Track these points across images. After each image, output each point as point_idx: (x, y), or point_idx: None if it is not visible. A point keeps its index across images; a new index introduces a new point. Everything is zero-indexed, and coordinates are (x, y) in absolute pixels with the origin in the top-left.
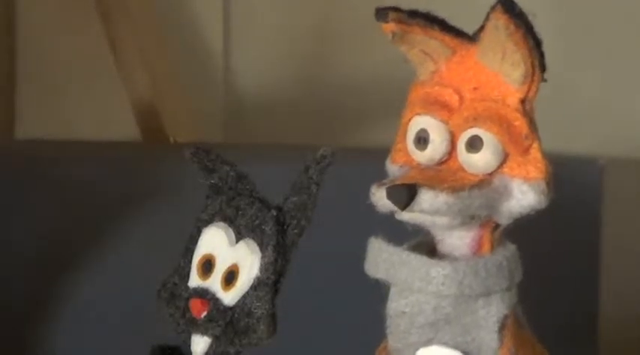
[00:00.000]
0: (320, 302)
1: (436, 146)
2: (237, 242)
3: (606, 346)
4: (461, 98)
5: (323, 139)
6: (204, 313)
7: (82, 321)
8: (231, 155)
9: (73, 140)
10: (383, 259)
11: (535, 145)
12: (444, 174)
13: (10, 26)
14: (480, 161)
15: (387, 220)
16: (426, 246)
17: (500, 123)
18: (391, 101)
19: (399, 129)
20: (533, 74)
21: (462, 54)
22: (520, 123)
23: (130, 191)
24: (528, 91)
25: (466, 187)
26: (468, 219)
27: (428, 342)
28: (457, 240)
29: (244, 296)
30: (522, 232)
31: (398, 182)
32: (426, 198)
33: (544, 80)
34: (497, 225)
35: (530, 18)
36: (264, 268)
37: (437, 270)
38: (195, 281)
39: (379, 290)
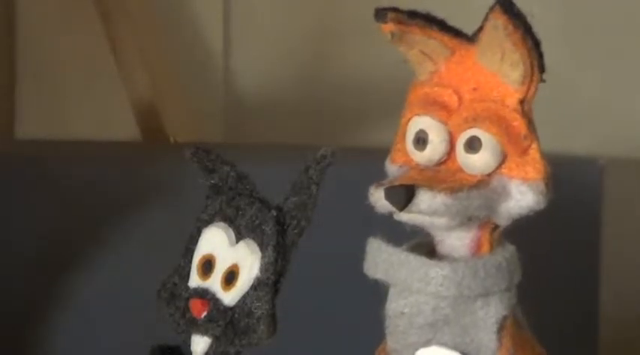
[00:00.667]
0: (320, 302)
1: (435, 146)
2: (237, 242)
3: (606, 346)
4: (460, 98)
5: (323, 139)
6: (204, 313)
7: (82, 321)
8: (231, 155)
9: (73, 140)
10: (382, 259)
11: (534, 146)
12: (442, 175)
13: (10, 26)
14: (479, 162)
15: (387, 220)
16: (426, 246)
17: (499, 124)
18: (391, 101)
19: (399, 130)
20: (532, 74)
21: (462, 54)
22: (519, 124)
23: (130, 191)
24: (527, 92)
25: (464, 188)
26: (466, 219)
27: (427, 343)
28: (456, 241)
29: (244, 297)
30: (522, 232)
31: (396, 183)
32: (424, 199)
33: (543, 81)
34: (496, 226)
35: (528, 18)
36: (264, 268)
37: (436, 271)
38: (195, 281)
39: (379, 291)
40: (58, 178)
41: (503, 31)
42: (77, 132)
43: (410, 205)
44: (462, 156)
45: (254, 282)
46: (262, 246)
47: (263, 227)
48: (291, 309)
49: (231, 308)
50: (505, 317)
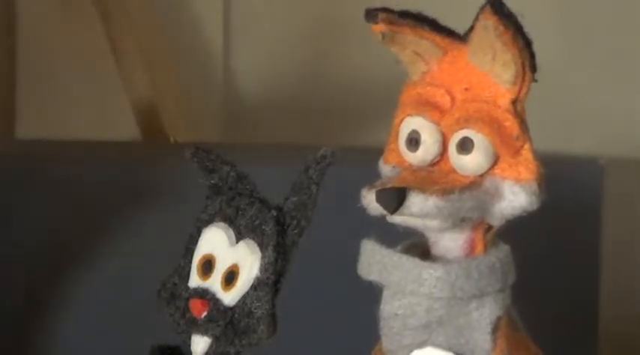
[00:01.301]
0: (320, 302)
1: (428, 147)
2: (237, 242)
3: (606, 346)
4: (452, 99)
5: (323, 139)
6: (205, 313)
7: (82, 321)
8: (231, 155)
9: (73, 140)
10: (376, 261)
11: (526, 146)
12: (435, 176)
13: (10, 26)
14: (471, 163)
15: (386, 220)
16: (420, 247)
17: (491, 125)
18: (391, 101)
19: (392, 130)
20: (523, 75)
21: (454, 54)
22: (511, 124)
23: (129, 191)
24: (519, 92)
25: (456, 190)
26: (459, 221)
27: (422, 344)
28: (450, 242)
29: (244, 297)
30: (522, 232)
31: (388, 185)
32: (416, 202)
33: (535, 80)
34: (489, 227)
35: (519, 18)
36: (264, 268)
37: (429, 273)
38: (195, 281)
39: (379, 291)
40: (58, 178)
41: (494, 32)
42: (77, 132)
43: (401, 208)
44: (454, 157)
45: (254, 282)
46: (262, 246)
47: (263, 227)
48: (291, 309)
49: (231, 308)
50: (499, 318)
